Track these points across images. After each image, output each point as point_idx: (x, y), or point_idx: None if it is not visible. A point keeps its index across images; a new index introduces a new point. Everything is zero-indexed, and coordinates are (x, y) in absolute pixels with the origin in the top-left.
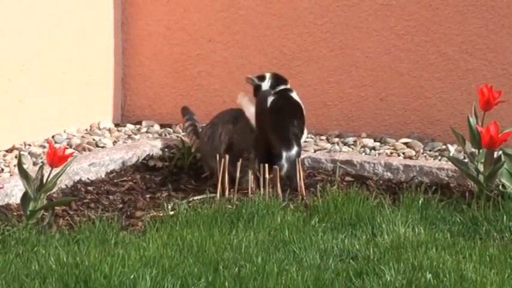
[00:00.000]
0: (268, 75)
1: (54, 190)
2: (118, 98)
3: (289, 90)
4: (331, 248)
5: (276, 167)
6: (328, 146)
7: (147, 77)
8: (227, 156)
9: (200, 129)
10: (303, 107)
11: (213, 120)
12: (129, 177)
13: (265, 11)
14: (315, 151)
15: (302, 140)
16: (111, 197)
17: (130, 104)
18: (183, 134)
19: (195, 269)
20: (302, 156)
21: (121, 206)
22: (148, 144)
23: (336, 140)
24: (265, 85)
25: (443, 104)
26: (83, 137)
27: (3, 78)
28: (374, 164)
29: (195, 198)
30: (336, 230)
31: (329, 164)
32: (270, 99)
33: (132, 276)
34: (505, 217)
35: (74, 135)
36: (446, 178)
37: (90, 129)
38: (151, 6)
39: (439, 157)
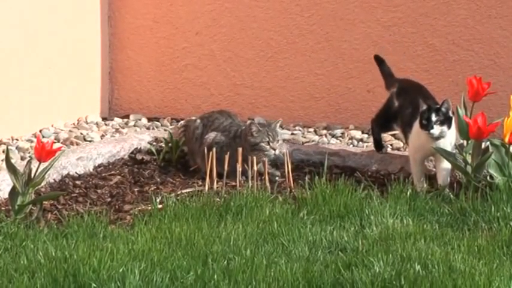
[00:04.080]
0: None
1: (42, 185)
2: (105, 92)
3: None
4: (319, 240)
5: (264, 159)
6: (316, 138)
7: (134, 70)
8: (214, 149)
9: (188, 123)
10: None
11: (203, 120)
12: (117, 171)
13: (251, 3)
14: (302, 143)
15: None
16: (99, 191)
17: (117, 98)
18: (171, 127)
19: (183, 262)
20: (290, 149)
21: (109, 199)
22: (136, 137)
23: (324, 132)
24: None
25: None
26: (70, 131)
27: None
28: (362, 155)
29: (184, 191)
30: (324, 222)
31: (317, 156)
32: None
33: (121, 270)
34: (493, 208)
35: (61, 130)
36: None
37: (78, 124)
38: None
39: None
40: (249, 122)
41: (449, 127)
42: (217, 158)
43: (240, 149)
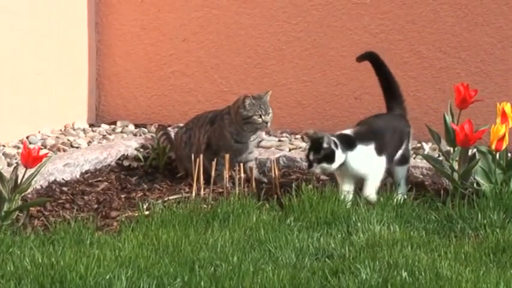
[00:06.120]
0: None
1: (29, 191)
2: (92, 98)
3: None
4: (306, 246)
5: (251, 166)
6: (303, 145)
7: (122, 77)
8: (201, 156)
9: (174, 131)
10: None
11: (188, 125)
12: (104, 178)
13: (239, 10)
14: (290, 150)
15: None
16: (86, 197)
17: (104, 104)
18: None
19: (170, 269)
20: (277, 155)
21: (96, 206)
22: (123, 144)
23: None
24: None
25: (417, 103)
26: (57, 137)
27: None
28: None
29: (171, 197)
30: (311, 229)
31: (304, 163)
32: None
33: (107, 277)
34: (479, 215)
35: (48, 136)
36: (421, 176)
37: (65, 130)
38: (125, 6)
39: (414, 155)
40: (242, 95)
41: (330, 162)
42: (208, 144)
43: (227, 156)
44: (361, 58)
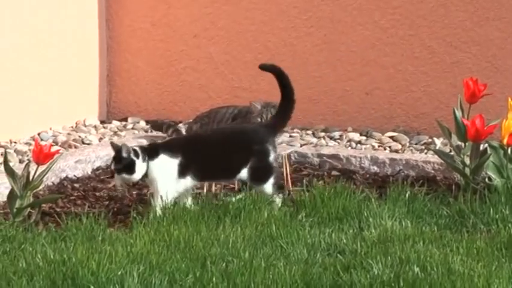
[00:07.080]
0: None
1: (40, 187)
2: (103, 95)
3: None
4: (318, 242)
5: None
6: (314, 140)
7: (132, 73)
8: None
9: (184, 126)
10: None
11: (203, 119)
12: None
13: (249, 6)
14: (301, 146)
15: None
16: (97, 193)
17: (115, 101)
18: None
19: (182, 265)
20: (288, 151)
21: (108, 202)
22: (134, 140)
23: (322, 134)
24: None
25: (428, 98)
26: (68, 134)
27: None
28: (360, 158)
29: None
30: (323, 225)
31: (315, 159)
32: None
33: (119, 273)
34: (491, 210)
35: (59, 133)
36: (433, 171)
37: (76, 127)
38: (136, 2)
39: (425, 150)
40: (252, 102)
41: (131, 173)
42: None
43: None
44: (263, 68)
